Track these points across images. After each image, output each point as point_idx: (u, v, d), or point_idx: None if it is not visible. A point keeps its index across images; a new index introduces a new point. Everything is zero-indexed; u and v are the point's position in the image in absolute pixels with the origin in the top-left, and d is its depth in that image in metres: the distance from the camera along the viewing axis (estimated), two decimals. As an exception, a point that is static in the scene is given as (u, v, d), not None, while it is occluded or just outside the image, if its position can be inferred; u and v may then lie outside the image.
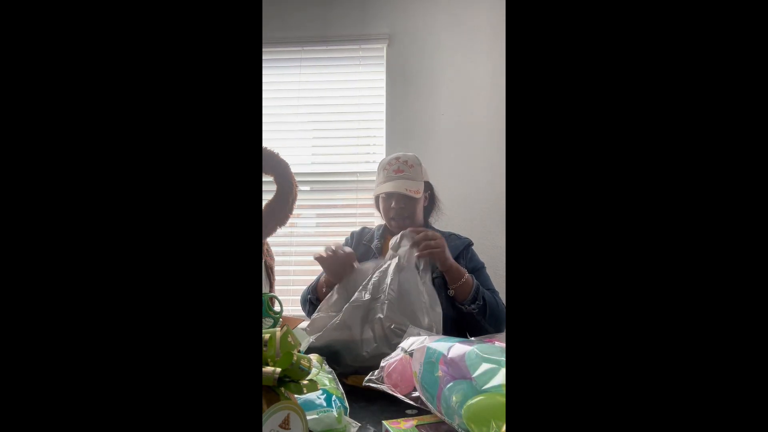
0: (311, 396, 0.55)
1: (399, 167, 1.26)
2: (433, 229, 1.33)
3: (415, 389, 0.61)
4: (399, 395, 0.63)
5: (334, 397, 0.57)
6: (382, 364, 0.68)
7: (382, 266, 0.97)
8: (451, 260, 1.06)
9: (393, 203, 1.25)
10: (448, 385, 0.53)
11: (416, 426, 0.55)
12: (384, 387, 0.66)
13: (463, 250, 1.25)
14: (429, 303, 0.91)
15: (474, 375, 0.51)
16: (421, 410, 0.60)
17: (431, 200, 1.36)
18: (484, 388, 0.49)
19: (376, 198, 1.34)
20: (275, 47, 2.17)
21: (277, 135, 2.12)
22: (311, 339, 0.87)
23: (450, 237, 1.29)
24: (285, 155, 1.45)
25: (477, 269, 1.22)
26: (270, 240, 1.48)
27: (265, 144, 1.41)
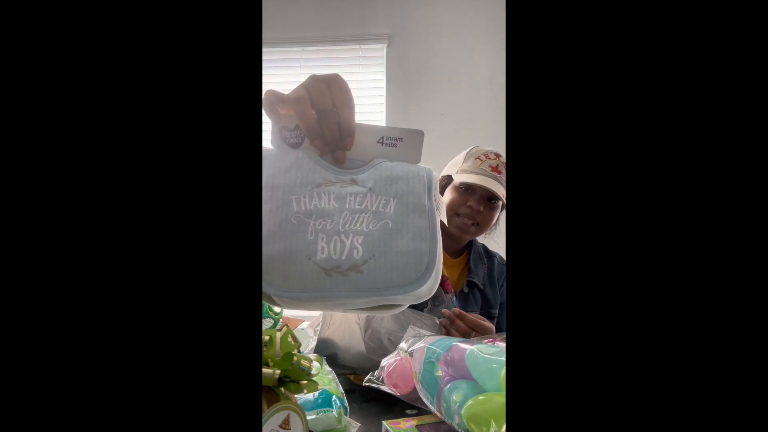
0: (311, 396, 0.55)
1: (498, 166, 1.05)
2: (486, 251, 1.18)
3: (415, 389, 0.61)
4: (399, 395, 0.63)
5: (334, 397, 0.57)
6: (382, 364, 0.68)
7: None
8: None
9: (474, 202, 1.04)
10: (448, 385, 0.53)
11: (416, 426, 0.55)
12: (384, 387, 0.66)
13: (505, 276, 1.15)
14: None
15: (474, 375, 0.51)
16: (421, 410, 0.60)
17: None
18: (484, 388, 0.49)
19: (446, 182, 1.10)
20: (276, 47, 2.17)
21: (277, 135, 2.12)
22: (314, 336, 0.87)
23: (495, 257, 1.19)
24: (285, 155, 1.44)
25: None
26: (270, 240, 1.48)
27: (265, 144, 1.41)
